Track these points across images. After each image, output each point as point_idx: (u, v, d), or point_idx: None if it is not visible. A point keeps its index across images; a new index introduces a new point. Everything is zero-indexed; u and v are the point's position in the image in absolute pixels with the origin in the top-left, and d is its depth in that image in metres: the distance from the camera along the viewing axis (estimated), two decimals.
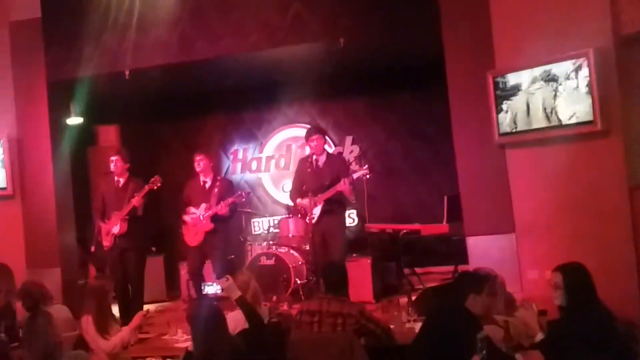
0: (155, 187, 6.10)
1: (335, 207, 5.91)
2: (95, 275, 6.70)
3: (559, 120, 5.03)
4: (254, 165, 9.12)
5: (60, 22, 6.77)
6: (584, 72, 4.89)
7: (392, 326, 4.51)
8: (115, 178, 6.35)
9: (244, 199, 6.43)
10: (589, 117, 4.89)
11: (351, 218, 8.19)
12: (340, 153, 8.36)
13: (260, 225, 8.58)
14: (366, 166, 5.88)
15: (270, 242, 7.21)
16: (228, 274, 4.63)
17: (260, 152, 9.10)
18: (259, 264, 6.72)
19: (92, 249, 6.66)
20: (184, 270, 7.28)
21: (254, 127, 9.18)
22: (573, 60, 4.93)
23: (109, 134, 8.53)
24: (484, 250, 5.49)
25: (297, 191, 6.12)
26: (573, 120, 4.99)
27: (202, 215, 6.29)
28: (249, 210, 8.28)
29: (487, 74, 5.41)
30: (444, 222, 6.66)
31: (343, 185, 5.74)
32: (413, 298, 5.26)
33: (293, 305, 5.96)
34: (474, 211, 5.64)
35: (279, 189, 8.91)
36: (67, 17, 6.76)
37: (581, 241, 5.03)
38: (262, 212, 8.68)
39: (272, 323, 4.49)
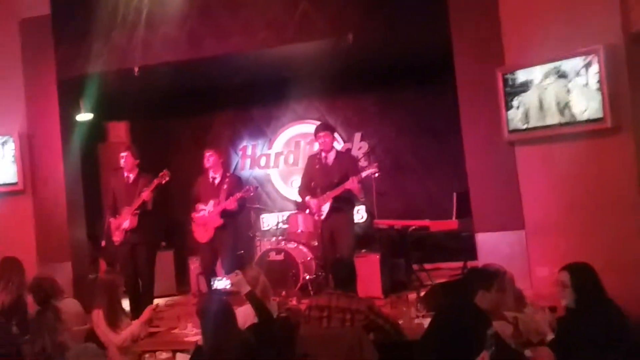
0: (163, 182, 6.12)
1: (343, 204, 5.91)
2: (106, 269, 6.72)
3: (573, 115, 5.00)
4: (262, 161, 9.14)
5: (70, 20, 6.80)
6: (594, 68, 4.86)
7: (400, 322, 4.52)
8: (125, 174, 6.38)
9: (252, 194, 6.44)
10: (599, 114, 4.87)
11: (360, 214, 8.18)
12: (349, 150, 8.36)
13: (269, 221, 8.60)
14: (375, 164, 5.86)
15: (279, 238, 7.24)
16: (237, 269, 4.65)
17: (269, 148, 9.12)
18: (268, 260, 6.75)
19: (103, 243, 6.70)
20: (193, 265, 7.32)
21: (263, 123, 9.19)
22: (583, 57, 4.91)
23: (118, 130, 8.59)
24: (493, 246, 5.48)
25: (306, 188, 6.13)
26: (584, 117, 4.97)
27: (211, 212, 6.31)
28: (258, 206, 8.32)
29: (496, 70, 5.40)
30: (453, 219, 6.66)
31: (352, 184, 5.74)
32: (422, 294, 5.27)
33: (302, 300, 5.98)
34: (483, 207, 5.64)
35: (287, 185, 8.93)
36: (76, 15, 6.79)
37: (591, 238, 5.02)
38: (271, 208, 8.69)
39: (281, 318, 4.51)
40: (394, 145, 8.61)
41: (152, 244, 6.48)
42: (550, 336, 3.70)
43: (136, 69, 6.68)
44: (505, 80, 5.35)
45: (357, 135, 8.70)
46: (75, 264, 6.68)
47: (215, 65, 7.34)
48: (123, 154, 6.37)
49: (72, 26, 6.80)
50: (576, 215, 5.11)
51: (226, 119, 9.34)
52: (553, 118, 5.12)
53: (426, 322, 4.25)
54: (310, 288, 6.47)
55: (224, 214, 6.28)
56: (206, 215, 6.35)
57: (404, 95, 8.51)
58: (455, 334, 3.47)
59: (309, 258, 6.77)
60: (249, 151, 9.21)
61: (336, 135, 7.30)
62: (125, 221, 6.19)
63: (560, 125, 5.10)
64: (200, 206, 6.44)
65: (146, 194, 6.07)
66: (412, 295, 5.41)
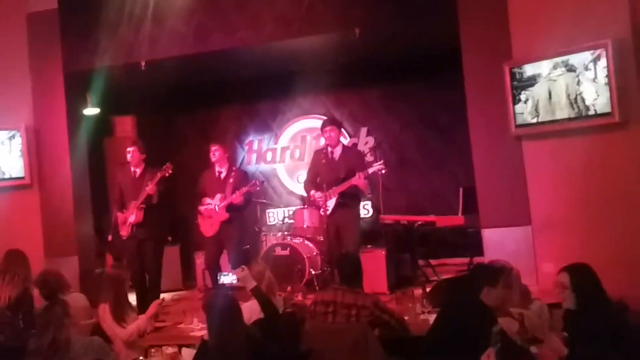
0: (167, 174, 6.12)
1: (349, 200, 5.90)
2: (112, 264, 6.76)
3: (581, 109, 4.97)
4: (269, 156, 9.14)
5: (77, 14, 6.81)
6: (603, 62, 4.84)
7: (406, 317, 4.50)
8: (132, 168, 6.38)
9: (258, 188, 6.44)
10: (607, 109, 4.84)
11: (366, 209, 8.18)
12: (356, 145, 8.34)
13: (275, 215, 8.61)
14: (382, 161, 5.84)
15: (285, 233, 7.23)
16: (243, 264, 4.66)
17: (275, 143, 9.11)
18: (274, 255, 6.75)
19: (109, 238, 6.72)
20: (199, 260, 7.33)
21: (269, 118, 9.19)
22: (591, 51, 4.88)
23: (125, 125, 8.59)
24: (500, 242, 5.48)
25: (312, 183, 6.11)
26: (592, 111, 4.94)
27: (217, 206, 6.31)
28: (264, 200, 8.32)
29: (503, 65, 5.37)
30: (460, 214, 6.64)
31: (358, 180, 5.72)
32: (427, 290, 5.25)
33: (307, 295, 5.97)
34: (489, 203, 5.63)
35: (293, 179, 8.92)
36: (83, 9, 6.80)
37: (598, 234, 5.00)
38: (277, 203, 8.70)
39: (286, 313, 4.51)
40: (400, 140, 8.58)
41: (159, 238, 6.48)
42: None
43: (143, 64, 6.69)
44: (512, 75, 5.33)
45: (363, 130, 8.67)
46: (82, 259, 6.71)
47: (221, 60, 7.34)
48: (130, 148, 6.37)
49: (79, 20, 6.81)
50: (583, 211, 5.09)
51: (232, 114, 9.34)
52: (562, 112, 5.10)
53: (432, 318, 4.25)
54: (315, 283, 6.47)
55: (230, 208, 6.28)
56: (212, 208, 6.34)
57: (411, 90, 8.48)
58: (460, 330, 3.46)
59: (314, 253, 6.76)
60: (255, 146, 9.21)
61: (342, 130, 7.28)
62: (132, 215, 6.20)
63: (568, 119, 5.08)
64: (207, 200, 6.44)
65: (150, 188, 6.08)
66: (418, 291, 5.40)
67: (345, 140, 8.05)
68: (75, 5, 6.82)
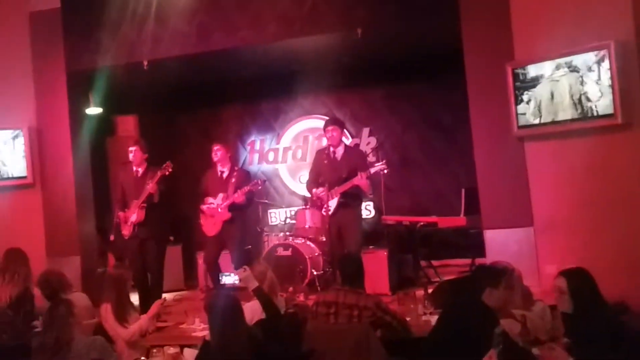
0: (167, 173, 6.11)
1: (351, 200, 5.89)
2: (114, 264, 6.75)
3: (584, 110, 4.97)
4: (270, 156, 9.14)
5: (80, 13, 6.82)
6: (606, 64, 4.83)
7: (408, 319, 4.50)
8: (134, 168, 6.38)
9: (260, 187, 6.44)
10: (610, 110, 4.83)
11: (368, 210, 8.18)
12: (357, 145, 8.34)
13: (277, 216, 8.60)
14: (384, 161, 5.83)
15: (287, 233, 7.23)
16: (245, 264, 4.66)
17: (277, 143, 9.11)
18: (276, 255, 6.74)
19: (112, 237, 6.72)
20: (201, 260, 7.32)
21: (271, 118, 9.19)
22: (595, 52, 4.87)
23: (127, 124, 8.59)
24: (502, 243, 5.47)
25: (314, 183, 6.10)
26: (595, 113, 4.94)
27: (220, 205, 6.31)
28: (266, 201, 8.32)
29: (506, 65, 5.37)
30: (462, 215, 6.63)
31: (360, 180, 5.71)
32: (429, 291, 5.25)
33: (309, 296, 5.98)
34: (492, 204, 5.62)
35: (295, 180, 8.92)
36: (86, 8, 6.81)
37: (601, 235, 4.99)
38: (279, 203, 8.70)
39: (288, 314, 4.51)
40: (402, 140, 8.57)
41: (161, 238, 6.48)
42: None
43: (145, 63, 6.70)
44: (515, 75, 5.33)
45: (365, 131, 8.67)
46: (84, 258, 6.72)
47: (224, 60, 7.34)
48: (132, 148, 6.37)
49: (81, 20, 6.82)
50: (585, 212, 5.08)
51: (234, 114, 9.33)
52: (565, 113, 5.09)
53: (433, 319, 4.25)
54: (317, 284, 6.47)
55: (233, 207, 6.28)
56: (214, 208, 6.34)
57: (413, 91, 8.47)
58: (462, 331, 3.45)
59: (316, 254, 6.76)
60: (257, 146, 9.21)
61: (345, 130, 7.27)
62: (133, 214, 6.20)
63: (571, 120, 5.07)
64: (209, 200, 6.44)
65: (151, 186, 6.08)
66: (420, 292, 5.40)
67: (348, 140, 8.05)
68: (77, 4, 6.82)
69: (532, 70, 5.24)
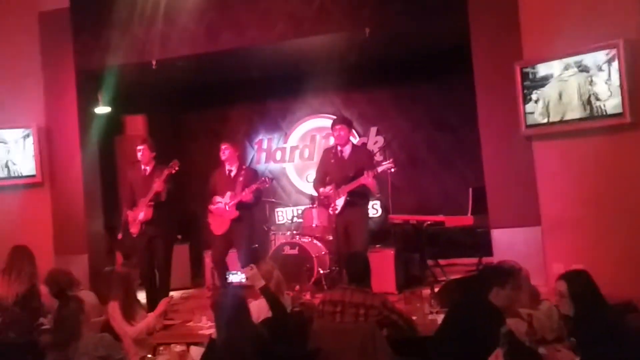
0: (173, 171, 6.13)
1: (358, 199, 5.88)
2: (122, 262, 6.78)
3: (592, 109, 4.95)
4: (278, 155, 9.15)
5: (89, 12, 6.85)
6: (617, 63, 4.80)
7: (414, 318, 4.51)
8: (142, 167, 6.41)
9: (267, 185, 6.44)
10: (618, 110, 4.81)
11: (375, 209, 8.17)
12: (365, 144, 8.33)
13: (284, 215, 8.61)
14: (391, 160, 5.83)
15: (294, 232, 7.24)
16: (252, 262, 4.67)
17: (285, 142, 9.12)
18: (283, 254, 6.76)
19: (119, 236, 6.75)
20: (208, 258, 7.34)
21: (279, 117, 9.19)
22: (606, 51, 4.84)
23: (136, 123, 8.62)
24: (509, 242, 5.46)
25: (321, 182, 6.10)
26: (603, 112, 4.92)
27: (227, 204, 6.33)
28: (273, 199, 8.33)
29: (514, 65, 5.35)
30: (469, 214, 6.62)
31: (367, 178, 5.70)
32: (436, 290, 5.24)
33: (316, 294, 5.98)
34: (499, 203, 5.61)
35: (302, 179, 8.93)
36: (95, 7, 6.84)
37: (608, 235, 4.98)
38: (286, 202, 8.71)
39: (295, 312, 4.52)
40: (409, 139, 8.56)
41: (169, 236, 6.51)
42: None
43: (154, 62, 6.72)
44: (523, 75, 5.31)
45: (373, 130, 8.66)
46: (92, 256, 6.76)
47: (232, 59, 7.35)
48: (140, 147, 6.40)
49: (90, 19, 6.85)
50: (593, 212, 5.07)
51: (242, 113, 9.35)
52: (573, 112, 5.07)
53: (440, 318, 4.25)
54: (324, 283, 6.47)
55: (240, 206, 6.30)
56: (222, 206, 6.36)
57: (421, 90, 8.46)
58: (468, 330, 3.45)
59: (323, 252, 6.76)
60: (265, 145, 9.23)
61: (352, 130, 7.26)
62: (141, 213, 6.22)
63: (579, 120, 5.05)
64: (217, 198, 6.46)
65: (158, 185, 6.10)
66: (426, 291, 5.39)
67: (355, 139, 8.04)
68: (86, 4, 6.86)
69: (542, 70, 5.22)
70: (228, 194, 6.37)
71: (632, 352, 3.20)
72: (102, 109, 7.74)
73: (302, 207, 7.92)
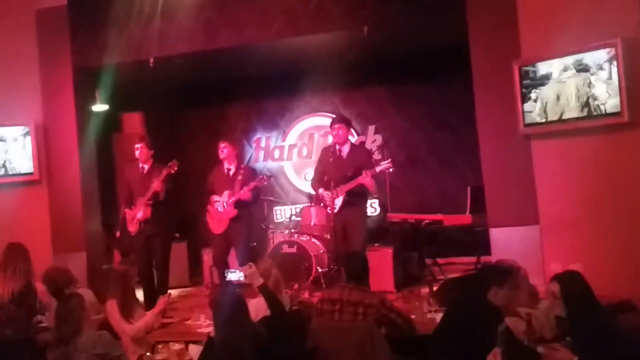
0: (172, 171, 6.14)
1: (356, 198, 5.87)
2: (120, 260, 6.78)
3: (590, 109, 4.95)
4: (276, 153, 9.14)
5: (86, 10, 6.83)
6: (615, 62, 4.80)
7: (413, 316, 4.50)
8: (140, 165, 6.41)
9: (265, 183, 6.43)
10: (616, 109, 4.82)
11: (373, 207, 8.18)
12: (363, 143, 8.33)
13: (282, 213, 8.61)
14: (389, 160, 5.82)
15: (292, 230, 7.24)
16: (251, 261, 4.66)
17: (283, 140, 9.12)
18: (281, 252, 6.75)
19: (117, 234, 6.74)
20: (207, 256, 7.35)
21: (277, 115, 9.19)
22: (607, 49, 4.84)
23: (133, 121, 8.62)
24: (507, 241, 5.46)
25: (319, 181, 6.10)
26: (601, 111, 4.92)
27: (226, 202, 6.32)
28: (272, 198, 8.32)
29: (512, 63, 5.35)
30: (467, 213, 6.63)
31: (365, 178, 5.69)
32: (434, 288, 5.24)
33: (314, 293, 5.99)
34: (497, 202, 5.61)
35: (301, 177, 8.93)
36: (92, 5, 6.82)
37: (606, 234, 4.99)
38: (284, 201, 8.71)
39: (293, 311, 4.52)
40: (408, 138, 8.56)
41: (167, 235, 6.50)
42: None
43: (151, 60, 6.70)
44: (522, 74, 5.31)
45: (371, 128, 8.66)
46: (90, 255, 6.74)
47: (230, 57, 7.34)
48: (138, 145, 6.39)
49: (88, 17, 6.83)
50: (591, 211, 5.07)
51: (240, 111, 9.34)
52: (571, 112, 5.07)
53: (438, 317, 4.25)
54: (322, 281, 6.47)
55: (239, 204, 6.29)
56: (221, 206, 6.36)
57: (419, 88, 8.46)
58: (466, 329, 3.45)
59: (321, 251, 6.76)
60: (263, 143, 9.22)
61: (351, 129, 7.25)
62: (139, 212, 6.22)
63: (577, 119, 5.06)
64: (215, 197, 6.45)
65: (157, 185, 6.10)
66: (425, 290, 5.39)
67: (353, 138, 8.04)
68: (84, 1, 6.84)
69: (542, 68, 5.22)
70: (226, 192, 6.36)
71: (625, 352, 3.20)
72: (100, 107, 7.72)
73: (301, 206, 7.91)
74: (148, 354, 4.46)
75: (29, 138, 6.80)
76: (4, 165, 6.86)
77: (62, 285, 4.80)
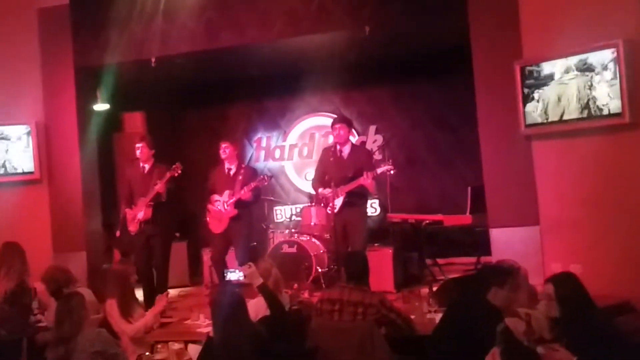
0: (176, 174, 6.14)
1: (356, 199, 5.87)
2: (119, 260, 6.77)
3: (592, 109, 4.94)
4: (277, 153, 9.15)
5: (88, 9, 6.84)
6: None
7: (412, 316, 4.50)
8: (141, 164, 6.41)
9: (266, 183, 6.44)
10: (618, 109, 4.81)
11: (373, 207, 8.17)
12: (364, 143, 8.33)
13: (283, 213, 8.60)
14: (390, 161, 5.81)
15: (292, 230, 7.24)
16: (250, 261, 4.66)
17: (284, 140, 9.12)
18: (281, 252, 6.76)
19: (118, 233, 6.75)
20: (207, 256, 7.34)
21: (278, 115, 9.19)
22: (612, 50, 4.82)
23: (135, 121, 8.62)
24: (508, 242, 5.46)
25: (319, 181, 6.09)
26: (603, 112, 4.91)
27: (226, 202, 6.32)
28: (272, 198, 8.33)
29: (514, 64, 5.35)
30: (468, 213, 6.62)
31: (366, 179, 5.68)
32: (434, 289, 5.24)
33: (314, 293, 5.98)
34: (498, 203, 5.61)
35: (301, 177, 8.93)
36: (94, 4, 6.83)
37: (607, 234, 4.98)
38: (285, 200, 8.71)
39: (293, 311, 4.52)
40: (408, 138, 8.56)
41: (167, 235, 6.50)
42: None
43: (153, 60, 6.71)
44: (523, 74, 5.31)
45: (372, 129, 8.65)
46: (90, 254, 6.74)
47: (231, 57, 7.35)
48: (138, 144, 6.39)
49: (90, 16, 6.84)
50: (592, 211, 5.07)
51: (241, 111, 9.34)
52: (573, 112, 5.07)
53: (438, 317, 4.24)
54: (322, 281, 6.46)
55: (239, 204, 6.29)
56: (221, 206, 6.36)
57: (420, 88, 8.46)
58: (466, 330, 3.45)
59: (321, 251, 6.76)
60: (264, 143, 9.22)
61: (352, 129, 7.23)
62: (140, 212, 6.22)
63: (579, 120, 5.05)
64: (216, 197, 6.46)
65: (160, 187, 6.10)
66: (425, 290, 5.39)
67: (354, 138, 8.03)
68: (86, 1, 6.85)
69: (546, 68, 5.21)
70: (227, 192, 6.36)
71: (625, 353, 3.19)
72: (101, 106, 7.73)
73: (301, 206, 7.91)
74: (147, 353, 4.46)
75: (31, 137, 6.81)
76: (3, 165, 6.86)
77: (62, 284, 4.80)
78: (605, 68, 4.88)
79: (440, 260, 7.23)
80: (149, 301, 5.79)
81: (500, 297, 3.59)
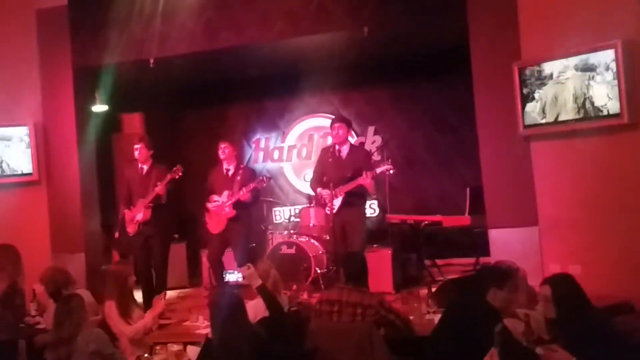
0: (177, 177, 6.14)
1: (355, 199, 5.86)
2: (117, 261, 6.76)
3: (590, 110, 4.94)
4: (275, 154, 9.14)
5: (87, 10, 6.83)
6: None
7: (411, 317, 4.50)
8: (140, 165, 6.40)
9: (265, 184, 6.43)
10: (616, 110, 4.81)
11: (372, 208, 8.17)
12: (363, 144, 8.32)
13: (281, 214, 8.61)
14: (389, 161, 5.81)
15: (291, 231, 7.24)
16: (249, 262, 4.65)
17: (283, 141, 9.12)
18: (280, 253, 6.76)
19: (116, 235, 6.74)
20: (206, 257, 7.34)
21: (277, 116, 9.19)
22: (613, 50, 4.82)
23: (133, 121, 8.62)
24: (506, 242, 5.45)
25: (318, 181, 6.08)
26: (601, 112, 4.91)
27: (225, 203, 6.32)
28: (271, 199, 8.32)
29: (513, 65, 5.35)
30: (466, 214, 6.62)
31: (365, 180, 5.68)
32: (433, 290, 5.24)
33: (313, 294, 5.97)
34: (496, 203, 5.60)
35: (300, 178, 8.93)
36: (93, 5, 6.82)
37: (606, 235, 4.98)
38: (284, 201, 8.71)
39: (292, 312, 4.51)
40: (407, 139, 8.56)
41: (165, 236, 6.49)
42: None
43: (151, 61, 6.70)
44: (522, 74, 5.30)
45: (371, 129, 8.66)
46: (89, 255, 6.73)
47: (230, 58, 7.35)
48: (137, 145, 6.39)
49: (88, 17, 6.83)
50: (590, 212, 5.07)
51: (240, 112, 9.34)
52: (569, 113, 5.07)
53: (437, 318, 4.24)
54: (321, 282, 6.46)
55: (237, 205, 6.28)
56: (219, 205, 6.35)
57: (419, 89, 8.47)
58: (465, 330, 3.45)
59: (320, 252, 6.76)
60: (262, 144, 9.22)
61: (351, 129, 7.23)
62: (139, 213, 6.21)
63: (577, 120, 5.05)
64: (214, 197, 6.45)
65: (160, 189, 6.10)
66: (424, 291, 5.39)
67: (353, 139, 8.03)
68: (84, 1, 6.84)
69: (540, 70, 5.22)
70: (225, 193, 6.35)
71: (624, 354, 3.19)
72: (100, 107, 7.72)
73: (300, 207, 7.92)
74: (146, 355, 4.46)
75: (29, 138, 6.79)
76: (1, 166, 6.85)
77: (61, 286, 4.79)
78: (607, 68, 4.87)
79: (439, 261, 7.22)
80: (148, 302, 5.78)
81: (499, 298, 3.59)
